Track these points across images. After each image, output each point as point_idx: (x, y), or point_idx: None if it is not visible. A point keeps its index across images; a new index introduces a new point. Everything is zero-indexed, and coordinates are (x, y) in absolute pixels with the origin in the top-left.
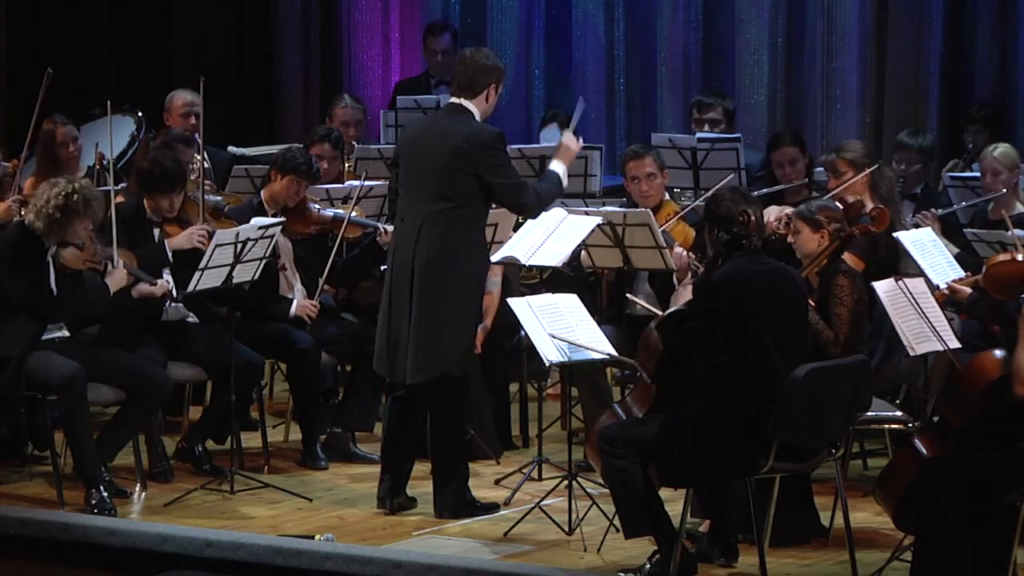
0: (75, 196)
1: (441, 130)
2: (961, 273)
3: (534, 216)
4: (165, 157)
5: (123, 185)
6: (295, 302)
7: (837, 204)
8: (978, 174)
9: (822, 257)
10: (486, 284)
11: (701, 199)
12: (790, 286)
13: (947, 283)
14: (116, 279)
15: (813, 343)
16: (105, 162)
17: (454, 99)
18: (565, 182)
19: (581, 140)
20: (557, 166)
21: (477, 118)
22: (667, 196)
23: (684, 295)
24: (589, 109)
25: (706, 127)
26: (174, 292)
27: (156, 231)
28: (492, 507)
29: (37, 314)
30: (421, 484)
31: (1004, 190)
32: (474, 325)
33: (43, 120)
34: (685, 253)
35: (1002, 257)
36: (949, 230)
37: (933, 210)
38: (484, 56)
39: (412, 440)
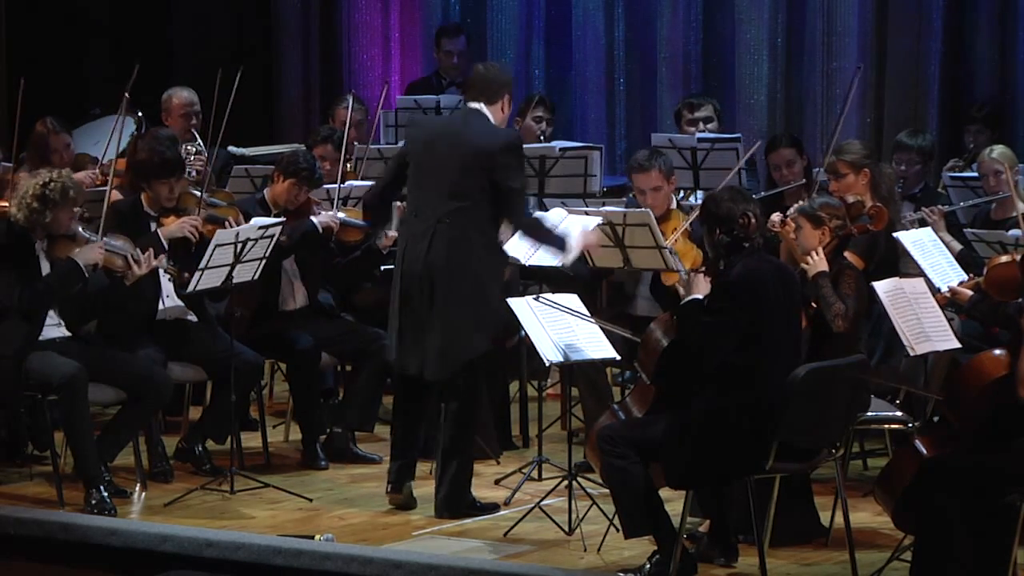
0: (52, 184)
1: (461, 130)
2: (961, 272)
3: (515, 230)
4: (162, 145)
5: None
6: (317, 217)
7: (839, 201)
8: (978, 174)
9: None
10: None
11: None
12: (792, 285)
13: (948, 286)
14: (87, 252)
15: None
16: (105, 162)
17: (473, 104)
18: (563, 254)
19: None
20: (568, 236)
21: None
22: (674, 204)
23: (699, 282)
24: (589, 110)
25: (700, 126)
26: (164, 261)
27: (153, 225)
28: (492, 507)
29: (23, 307)
30: (421, 484)
31: (1009, 192)
32: (495, 323)
33: (27, 127)
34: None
35: (1003, 259)
36: (950, 230)
37: (940, 207)
38: (498, 70)
39: (419, 430)
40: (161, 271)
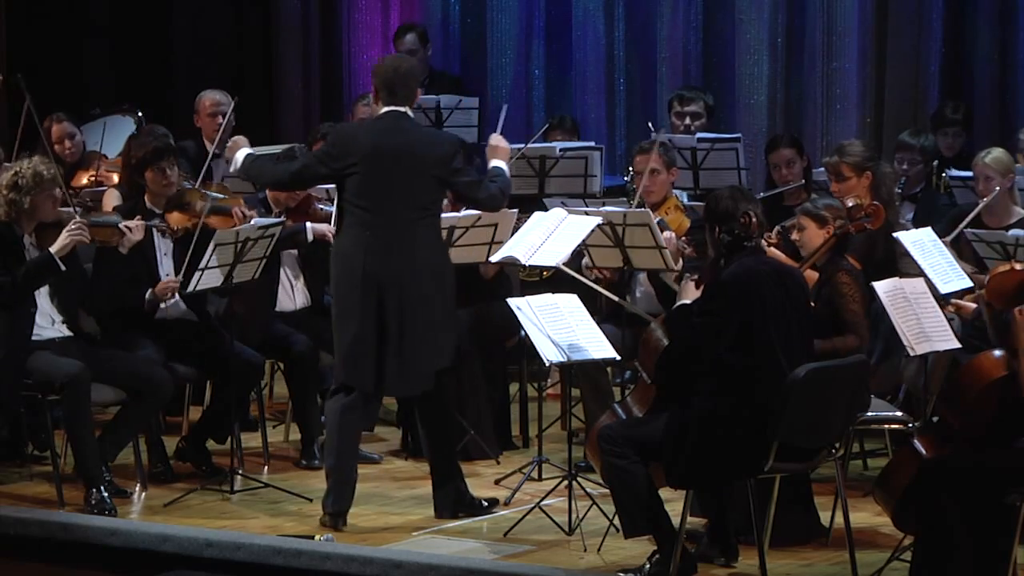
0: (23, 171)
1: (406, 141)
2: (962, 274)
3: (497, 208)
4: (150, 135)
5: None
6: (313, 224)
7: (840, 202)
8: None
9: (820, 253)
10: None
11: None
12: (792, 286)
13: (952, 301)
14: (60, 239)
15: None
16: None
17: (397, 108)
18: (505, 171)
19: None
20: (500, 163)
21: None
22: (674, 193)
23: (689, 289)
24: (589, 109)
25: (687, 120)
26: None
27: (156, 221)
28: (492, 503)
29: (8, 298)
30: (421, 484)
31: (997, 188)
32: (456, 331)
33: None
34: (673, 237)
35: (1002, 268)
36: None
37: (946, 239)
38: (410, 63)
39: (448, 434)
40: (161, 271)
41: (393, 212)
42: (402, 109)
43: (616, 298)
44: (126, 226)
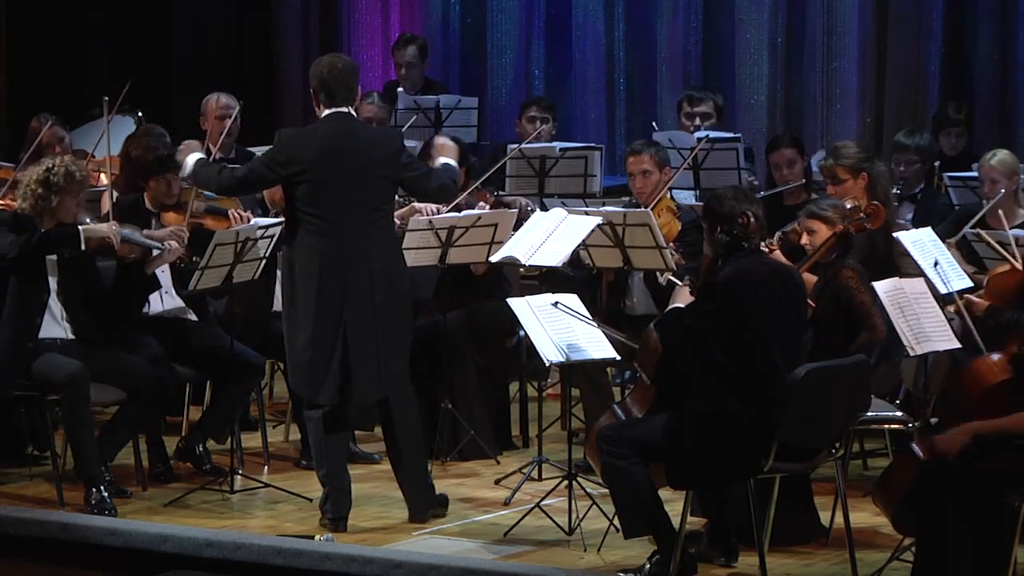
0: (55, 169)
1: (354, 143)
2: (962, 273)
3: (448, 199)
4: (155, 141)
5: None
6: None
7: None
8: (977, 174)
9: (820, 253)
10: None
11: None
12: (790, 286)
13: (966, 297)
14: (96, 226)
15: (815, 343)
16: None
17: (339, 109)
18: (455, 170)
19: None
20: (448, 160)
21: None
22: (669, 194)
23: (683, 293)
24: (589, 109)
25: (697, 120)
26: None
27: (154, 220)
28: (444, 499)
29: (11, 252)
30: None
31: (1003, 190)
32: (411, 326)
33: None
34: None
35: (1001, 268)
36: (956, 227)
37: (951, 240)
38: (345, 61)
39: (420, 435)
40: (159, 272)
41: (347, 218)
42: (344, 110)
43: (622, 336)
44: (165, 247)
